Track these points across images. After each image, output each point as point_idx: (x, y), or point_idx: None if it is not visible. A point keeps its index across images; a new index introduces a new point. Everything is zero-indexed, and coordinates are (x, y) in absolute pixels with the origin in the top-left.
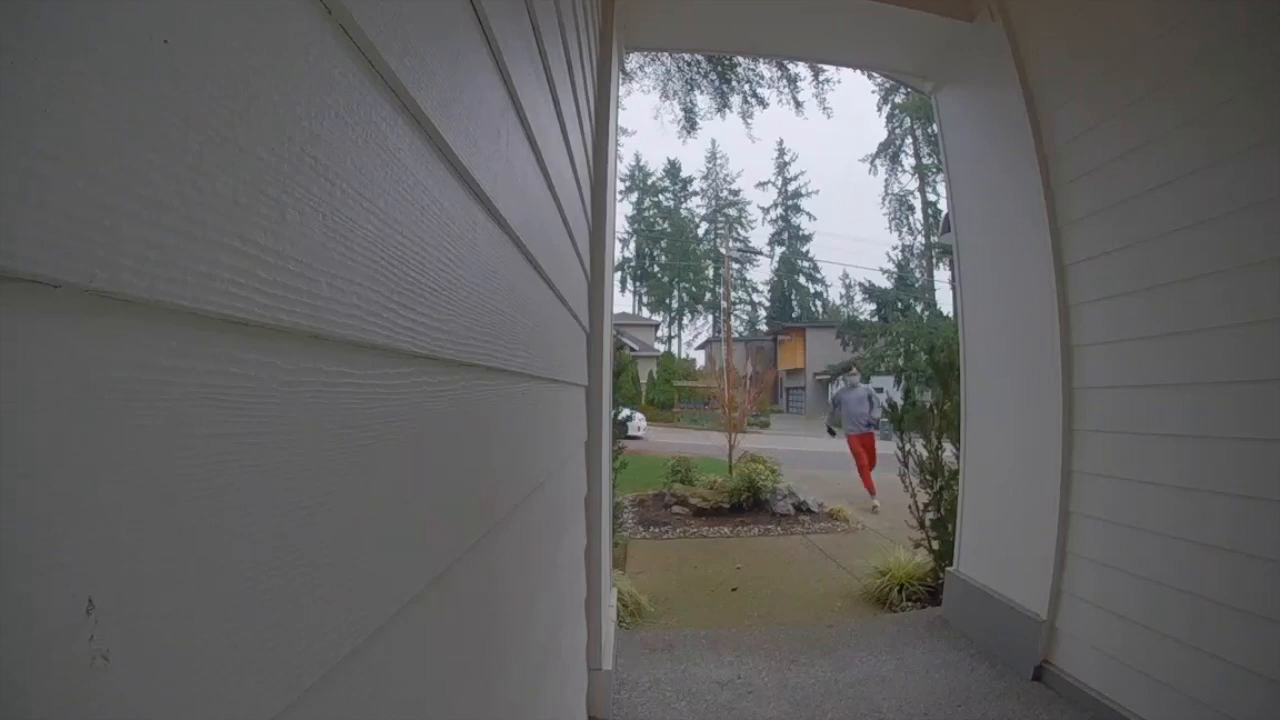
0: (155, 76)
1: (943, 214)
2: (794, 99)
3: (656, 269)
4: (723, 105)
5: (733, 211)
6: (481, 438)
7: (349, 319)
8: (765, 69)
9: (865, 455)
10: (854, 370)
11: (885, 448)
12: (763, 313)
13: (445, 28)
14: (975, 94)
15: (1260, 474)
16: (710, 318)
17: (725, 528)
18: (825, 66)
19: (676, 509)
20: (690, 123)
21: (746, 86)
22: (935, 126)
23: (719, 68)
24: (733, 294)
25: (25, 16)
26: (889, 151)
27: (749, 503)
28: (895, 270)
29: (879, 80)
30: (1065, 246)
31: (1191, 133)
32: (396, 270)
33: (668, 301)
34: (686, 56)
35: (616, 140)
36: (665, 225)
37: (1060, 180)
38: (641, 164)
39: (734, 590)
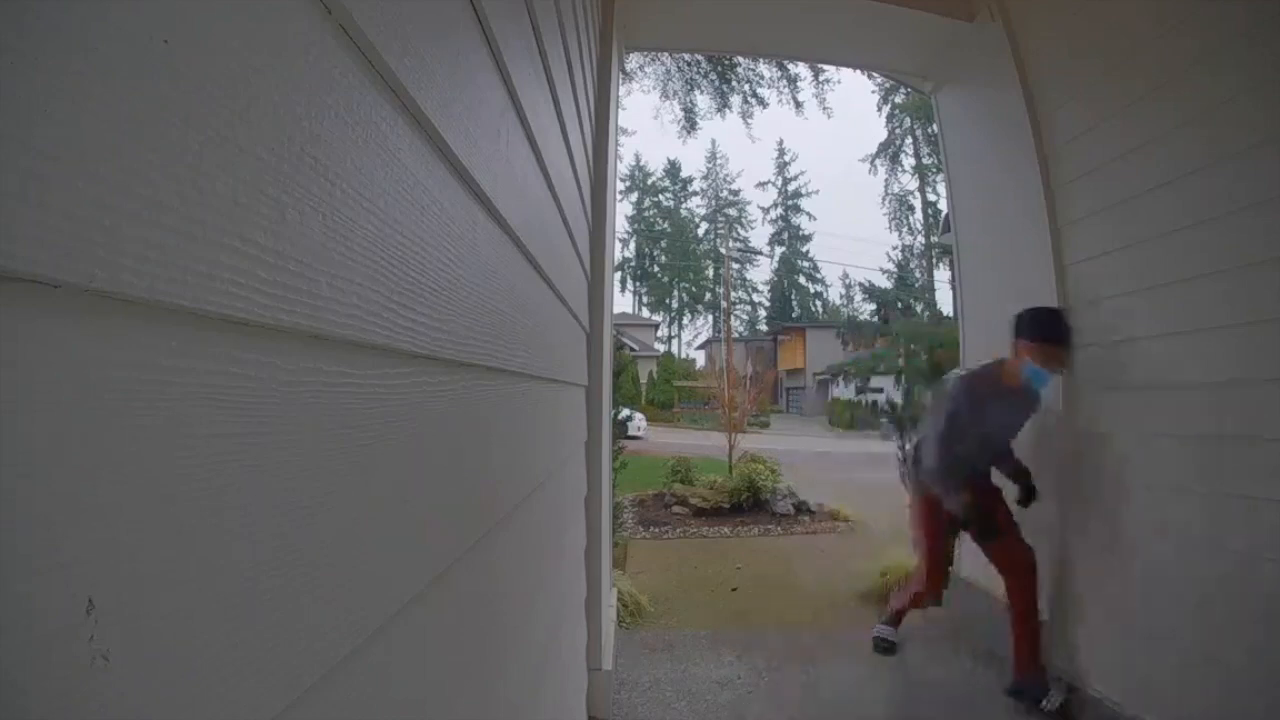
0: (155, 76)
1: (943, 214)
2: (794, 99)
3: (656, 269)
4: (723, 105)
5: (733, 211)
6: (481, 438)
7: (349, 319)
8: (765, 69)
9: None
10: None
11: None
12: (763, 313)
13: (445, 28)
14: (975, 94)
15: (1261, 475)
16: (710, 318)
17: (725, 528)
18: (825, 66)
19: (676, 509)
20: (690, 123)
21: (746, 86)
22: (935, 126)
23: (719, 68)
24: (733, 294)
25: (25, 16)
26: (889, 151)
27: (749, 503)
28: (895, 270)
29: (879, 80)
30: (1065, 246)
31: (1191, 133)
32: (396, 270)
33: (668, 301)
34: (686, 56)
35: (616, 140)
36: (665, 225)
37: (1060, 180)
38: (641, 164)
39: (734, 590)
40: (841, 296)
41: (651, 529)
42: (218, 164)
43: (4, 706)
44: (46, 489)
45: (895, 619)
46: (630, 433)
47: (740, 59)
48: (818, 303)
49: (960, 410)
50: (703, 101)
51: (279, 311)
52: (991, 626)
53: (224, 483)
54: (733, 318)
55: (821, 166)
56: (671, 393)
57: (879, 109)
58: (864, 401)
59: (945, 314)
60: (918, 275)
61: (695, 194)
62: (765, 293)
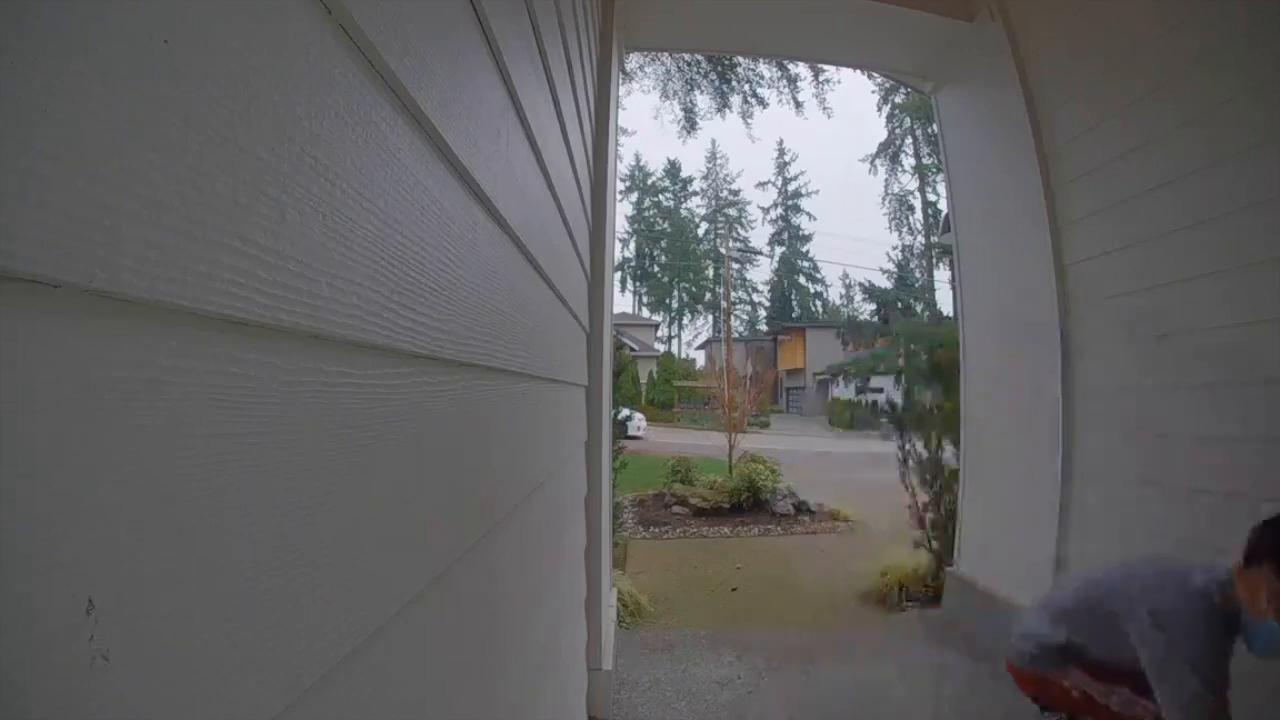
0: (155, 76)
1: (943, 214)
2: (794, 99)
3: (656, 269)
4: (723, 105)
5: (733, 211)
6: (481, 438)
7: (349, 319)
8: (765, 69)
9: None
10: None
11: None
12: (763, 313)
13: (445, 28)
14: (975, 94)
15: (1260, 475)
16: (710, 318)
17: (725, 528)
18: (825, 66)
19: (676, 509)
20: (690, 123)
21: (746, 86)
22: (935, 126)
23: (719, 68)
24: (733, 294)
25: (25, 16)
26: (889, 151)
27: (749, 503)
28: (895, 270)
29: (879, 80)
30: (1065, 246)
31: (1191, 133)
32: (396, 270)
33: (668, 301)
34: (686, 56)
35: (616, 140)
36: (665, 225)
37: (1060, 180)
38: (641, 164)
39: (734, 590)
40: (841, 296)
41: (651, 529)
42: (218, 164)
43: (4, 706)
44: (46, 489)
45: None
46: (630, 433)
47: (740, 59)
48: (818, 303)
49: (1203, 638)
50: (703, 101)
51: (279, 311)
52: (991, 626)
53: (224, 483)
54: (733, 318)
55: (821, 166)
56: (671, 393)
57: (879, 109)
58: (864, 401)
59: (945, 314)
60: (918, 275)
61: (695, 194)
62: (765, 293)
